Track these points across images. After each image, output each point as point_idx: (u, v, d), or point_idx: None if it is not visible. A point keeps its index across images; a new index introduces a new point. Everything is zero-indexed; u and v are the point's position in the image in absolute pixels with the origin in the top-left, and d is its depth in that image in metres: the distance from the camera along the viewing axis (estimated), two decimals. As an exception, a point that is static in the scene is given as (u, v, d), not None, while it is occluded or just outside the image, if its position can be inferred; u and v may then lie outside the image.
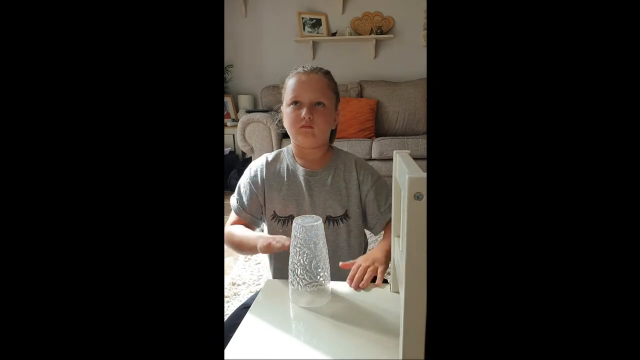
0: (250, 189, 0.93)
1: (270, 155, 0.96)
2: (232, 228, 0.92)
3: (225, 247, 0.93)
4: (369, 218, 0.93)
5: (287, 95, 0.89)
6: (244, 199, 0.93)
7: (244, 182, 0.95)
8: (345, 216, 0.92)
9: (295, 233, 0.66)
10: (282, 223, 0.91)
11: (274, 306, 0.69)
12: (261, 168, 0.94)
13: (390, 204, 0.89)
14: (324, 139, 0.92)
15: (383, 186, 0.93)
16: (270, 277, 0.97)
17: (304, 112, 0.86)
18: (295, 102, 0.87)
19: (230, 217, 0.95)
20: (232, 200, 0.95)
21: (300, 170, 0.92)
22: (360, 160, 0.96)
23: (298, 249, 0.66)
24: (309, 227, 0.66)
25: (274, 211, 0.92)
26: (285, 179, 0.92)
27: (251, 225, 0.95)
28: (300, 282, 0.67)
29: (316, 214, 0.88)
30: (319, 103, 0.87)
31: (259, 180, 0.93)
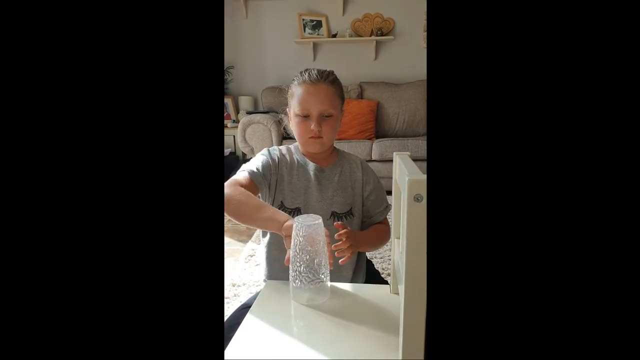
0: (266, 161, 0.91)
1: (282, 148, 0.97)
2: (242, 192, 0.83)
3: (228, 219, 0.80)
4: (362, 216, 0.97)
5: (295, 105, 0.90)
6: (259, 166, 0.89)
7: (257, 156, 0.92)
8: (350, 213, 0.93)
9: (297, 232, 0.67)
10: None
11: (274, 306, 0.69)
12: (277, 151, 0.94)
13: (384, 209, 0.97)
14: (331, 144, 0.95)
15: (382, 189, 0.98)
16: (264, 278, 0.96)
17: (312, 124, 0.88)
18: (304, 115, 0.89)
19: (236, 177, 0.88)
20: (243, 168, 0.90)
21: (311, 165, 0.94)
22: (363, 161, 1.00)
23: (300, 247, 0.67)
24: (311, 225, 0.66)
25: (281, 201, 0.91)
26: (296, 170, 0.93)
27: (256, 188, 0.88)
28: (303, 280, 0.68)
29: (322, 209, 0.91)
30: (327, 115, 0.89)
31: (276, 158, 0.92)
